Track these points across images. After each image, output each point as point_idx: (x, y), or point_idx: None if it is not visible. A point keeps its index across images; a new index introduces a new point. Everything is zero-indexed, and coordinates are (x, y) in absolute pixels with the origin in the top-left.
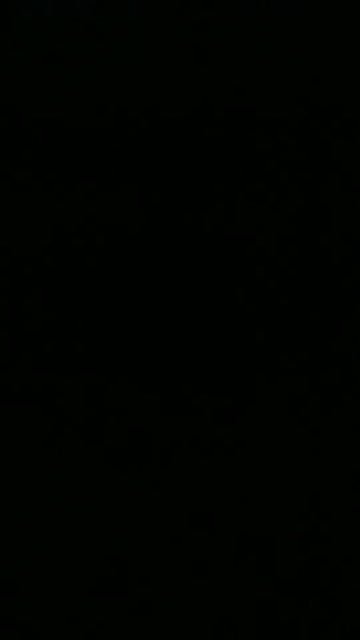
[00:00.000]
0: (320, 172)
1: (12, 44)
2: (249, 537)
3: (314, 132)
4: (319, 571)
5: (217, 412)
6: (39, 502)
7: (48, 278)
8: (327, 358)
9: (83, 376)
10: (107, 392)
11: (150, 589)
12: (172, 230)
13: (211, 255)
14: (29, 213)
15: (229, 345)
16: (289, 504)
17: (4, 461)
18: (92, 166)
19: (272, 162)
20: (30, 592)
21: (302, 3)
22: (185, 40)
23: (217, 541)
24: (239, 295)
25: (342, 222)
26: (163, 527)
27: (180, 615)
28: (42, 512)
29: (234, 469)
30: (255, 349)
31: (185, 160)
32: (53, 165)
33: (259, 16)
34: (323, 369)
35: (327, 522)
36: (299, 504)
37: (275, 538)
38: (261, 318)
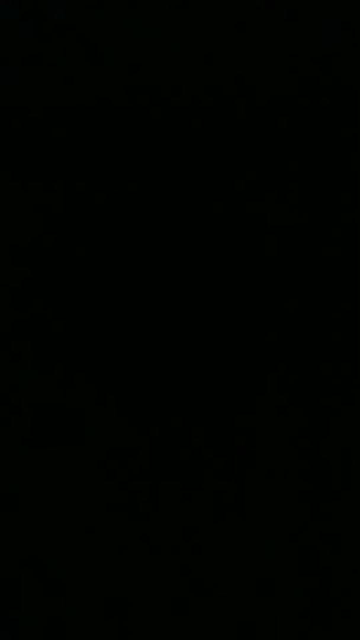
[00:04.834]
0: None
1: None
2: (250, 553)
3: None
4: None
5: (216, 419)
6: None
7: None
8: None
9: (77, 386)
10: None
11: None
12: (170, 231)
13: (210, 256)
14: (26, 211)
15: (227, 351)
16: (290, 517)
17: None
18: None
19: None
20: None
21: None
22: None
23: (217, 558)
24: (238, 298)
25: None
26: (161, 538)
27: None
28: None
29: (235, 474)
30: (256, 359)
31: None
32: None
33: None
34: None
35: (329, 541)
36: (301, 519)
37: (277, 551)
38: (262, 327)
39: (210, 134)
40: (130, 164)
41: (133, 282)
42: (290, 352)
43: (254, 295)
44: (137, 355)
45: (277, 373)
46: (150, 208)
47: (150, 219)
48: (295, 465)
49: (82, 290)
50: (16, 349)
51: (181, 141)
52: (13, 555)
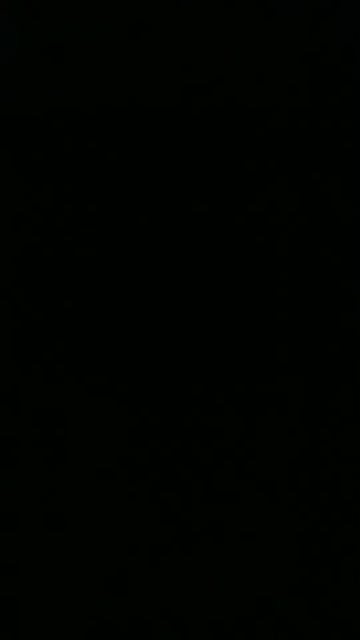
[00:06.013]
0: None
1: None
2: (249, 547)
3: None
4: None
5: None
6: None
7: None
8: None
9: (79, 380)
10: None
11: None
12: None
13: (208, 255)
14: (25, 212)
15: (225, 349)
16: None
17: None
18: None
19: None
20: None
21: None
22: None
23: (216, 551)
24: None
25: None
26: (160, 534)
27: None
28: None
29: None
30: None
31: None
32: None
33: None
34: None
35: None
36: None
37: (275, 549)
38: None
39: (208, 134)
40: (127, 165)
41: (131, 282)
42: (288, 352)
43: (253, 297)
44: (136, 356)
45: (277, 373)
46: (148, 208)
47: (148, 219)
48: (294, 465)
49: (80, 291)
50: (14, 347)
51: (180, 142)
52: (12, 555)
